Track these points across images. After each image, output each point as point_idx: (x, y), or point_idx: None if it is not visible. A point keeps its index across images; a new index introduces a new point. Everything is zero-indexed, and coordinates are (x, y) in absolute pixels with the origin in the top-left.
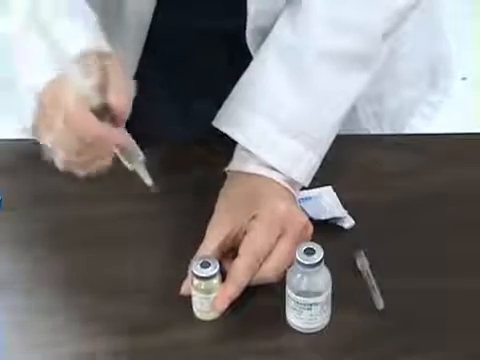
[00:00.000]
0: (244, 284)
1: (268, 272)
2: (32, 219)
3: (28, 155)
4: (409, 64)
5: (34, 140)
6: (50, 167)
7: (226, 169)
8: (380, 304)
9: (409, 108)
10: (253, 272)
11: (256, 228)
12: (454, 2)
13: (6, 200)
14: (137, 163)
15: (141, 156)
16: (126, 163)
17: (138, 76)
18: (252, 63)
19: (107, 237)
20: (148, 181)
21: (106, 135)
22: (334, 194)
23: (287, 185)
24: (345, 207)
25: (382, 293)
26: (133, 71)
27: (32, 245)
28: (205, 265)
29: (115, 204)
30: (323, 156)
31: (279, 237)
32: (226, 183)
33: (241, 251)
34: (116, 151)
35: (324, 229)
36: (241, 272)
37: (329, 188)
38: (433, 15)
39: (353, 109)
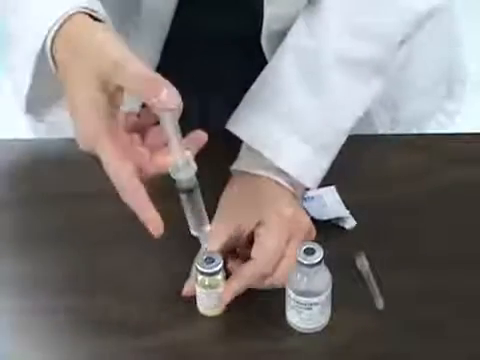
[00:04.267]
0: (249, 286)
1: (279, 279)
2: (32, 219)
3: (28, 155)
4: (425, 72)
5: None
6: (51, 167)
7: (231, 168)
8: (380, 304)
9: (425, 116)
10: (264, 279)
11: (266, 235)
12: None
13: (6, 200)
14: (203, 232)
15: (209, 227)
16: (192, 229)
17: None
18: (267, 66)
19: (108, 237)
20: (205, 245)
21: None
22: (337, 194)
23: (292, 188)
24: (348, 207)
25: (382, 293)
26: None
27: (31, 245)
28: (209, 261)
29: (116, 203)
30: (332, 161)
31: (287, 242)
32: (230, 182)
33: (254, 255)
34: (186, 213)
35: (325, 229)
36: (250, 274)
37: (332, 188)
38: (449, 22)
39: (369, 116)
